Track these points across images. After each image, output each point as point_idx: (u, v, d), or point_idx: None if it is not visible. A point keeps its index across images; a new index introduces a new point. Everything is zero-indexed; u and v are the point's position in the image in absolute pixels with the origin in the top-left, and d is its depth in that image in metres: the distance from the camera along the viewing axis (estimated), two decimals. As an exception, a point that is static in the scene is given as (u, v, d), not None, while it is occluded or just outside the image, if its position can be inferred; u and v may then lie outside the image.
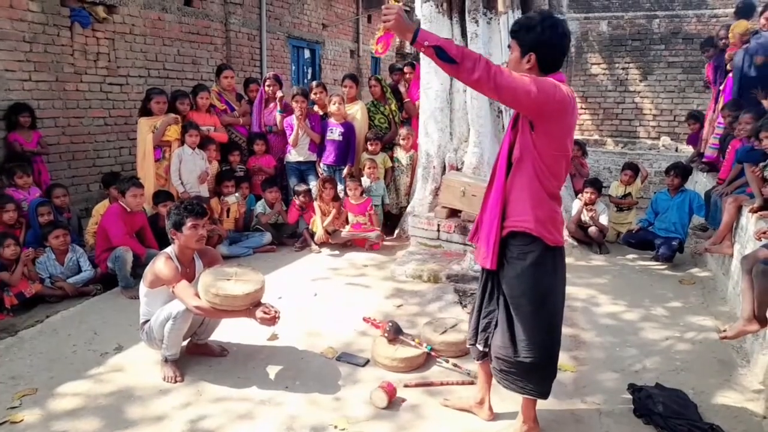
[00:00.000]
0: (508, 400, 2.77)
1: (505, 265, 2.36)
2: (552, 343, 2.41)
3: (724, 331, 3.52)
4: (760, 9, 6.07)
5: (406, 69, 6.86)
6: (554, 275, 2.36)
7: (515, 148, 2.29)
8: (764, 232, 3.37)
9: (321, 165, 6.13)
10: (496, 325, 2.45)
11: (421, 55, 2.31)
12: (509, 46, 2.33)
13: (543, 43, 2.20)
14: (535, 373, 2.39)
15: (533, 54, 2.21)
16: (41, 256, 4.41)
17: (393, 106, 6.53)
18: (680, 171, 5.60)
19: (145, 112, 5.57)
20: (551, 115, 2.17)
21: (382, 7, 2.22)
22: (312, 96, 6.35)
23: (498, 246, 2.33)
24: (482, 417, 2.74)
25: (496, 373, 2.50)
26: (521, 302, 2.34)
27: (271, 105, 6.36)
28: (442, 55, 2.06)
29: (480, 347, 2.55)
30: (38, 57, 6.34)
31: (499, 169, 2.35)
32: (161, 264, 3.06)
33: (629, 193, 6.27)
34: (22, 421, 2.71)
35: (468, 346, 2.70)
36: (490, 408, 2.74)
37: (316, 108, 6.35)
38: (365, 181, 5.92)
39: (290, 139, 6.05)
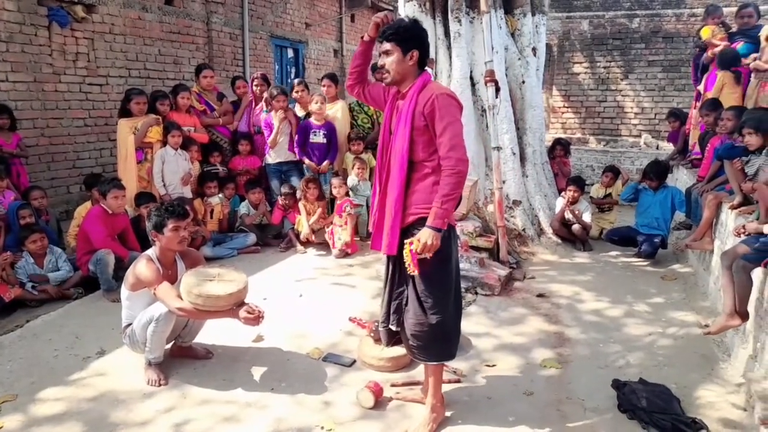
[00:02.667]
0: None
1: None
2: (457, 306, 2.67)
3: (707, 326, 3.58)
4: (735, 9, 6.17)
5: None
6: (455, 247, 2.64)
7: (418, 150, 2.48)
8: (743, 228, 3.42)
9: (306, 162, 6.01)
10: (407, 303, 2.62)
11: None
12: (386, 52, 2.47)
13: (421, 41, 2.47)
14: (443, 336, 2.59)
15: (416, 51, 2.44)
16: (20, 260, 4.34)
17: (377, 106, 6.48)
18: (654, 175, 5.66)
19: (125, 113, 5.47)
20: None
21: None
22: (293, 94, 6.29)
23: (400, 234, 2.51)
24: None
25: (411, 351, 2.68)
26: (434, 274, 2.52)
27: (259, 106, 6.27)
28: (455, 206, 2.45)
29: (393, 327, 2.72)
30: (15, 57, 6.23)
31: (398, 169, 2.51)
32: (142, 266, 3.03)
33: (609, 194, 6.37)
34: (2, 427, 2.66)
35: (380, 329, 2.88)
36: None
37: (297, 107, 6.29)
38: (352, 180, 5.88)
39: (269, 140, 5.93)
